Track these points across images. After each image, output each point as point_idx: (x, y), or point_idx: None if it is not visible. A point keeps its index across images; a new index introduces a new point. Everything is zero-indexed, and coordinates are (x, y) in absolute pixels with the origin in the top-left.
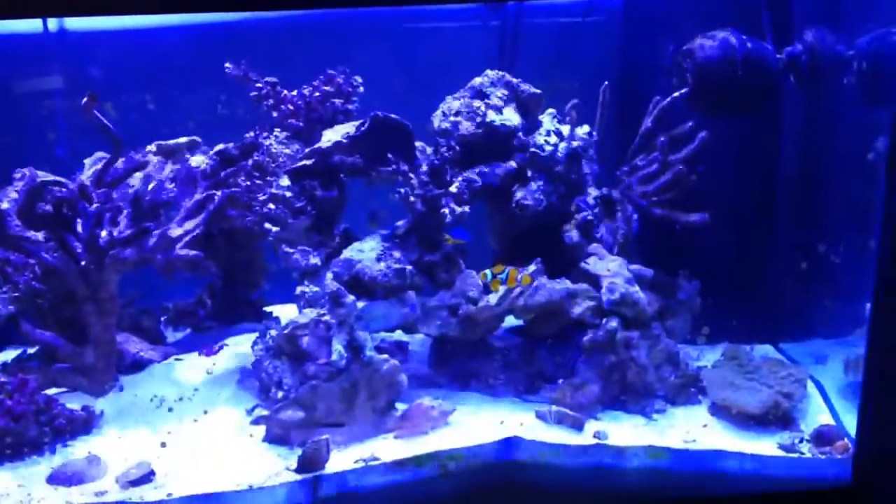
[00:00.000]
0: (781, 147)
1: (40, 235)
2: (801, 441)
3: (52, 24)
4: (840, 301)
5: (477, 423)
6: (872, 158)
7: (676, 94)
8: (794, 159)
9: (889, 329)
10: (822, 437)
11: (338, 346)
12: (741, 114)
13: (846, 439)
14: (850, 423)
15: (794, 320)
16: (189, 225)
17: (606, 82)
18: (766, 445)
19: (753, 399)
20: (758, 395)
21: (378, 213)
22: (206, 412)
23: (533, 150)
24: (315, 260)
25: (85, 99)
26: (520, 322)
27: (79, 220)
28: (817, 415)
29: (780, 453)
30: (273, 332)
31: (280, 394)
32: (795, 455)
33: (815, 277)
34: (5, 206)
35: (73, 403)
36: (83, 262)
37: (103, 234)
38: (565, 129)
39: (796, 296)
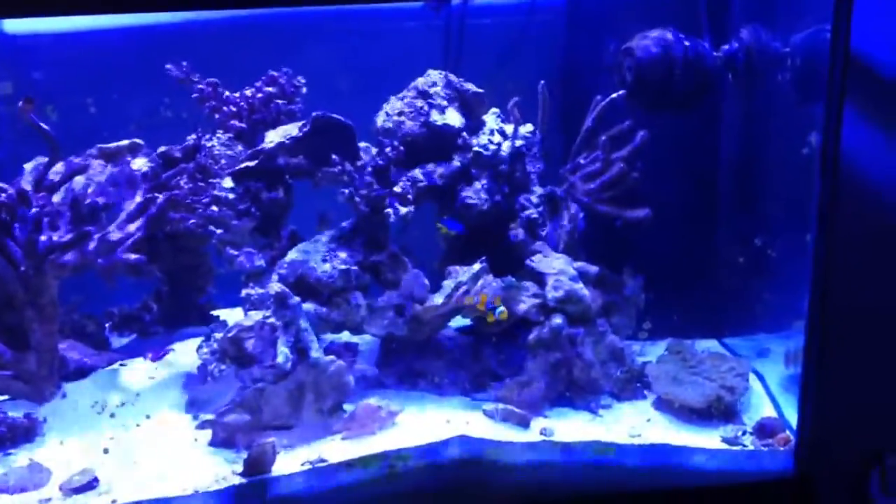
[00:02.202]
0: (720, 143)
1: None
2: (743, 434)
3: None
4: (780, 295)
5: (424, 423)
6: (807, 153)
7: (615, 94)
8: (733, 155)
9: (825, 321)
10: (764, 430)
11: (283, 349)
12: (680, 111)
13: (788, 431)
14: (792, 415)
15: (736, 314)
16: (130, 228)
17: (543, 81)
18: (709, 439)
19: (696, 393)
20: (701, 389)
21: (327, 216)
22: (148, 417)
23: (477, 149)
24: (260, 262)
25: (21, 103)
26: (466, 321)
27: (17, 225)
28: (760, 407)
29: (724, 446)
30: (218, 336)
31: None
32: (738, 448)
33: (755, 272)
34: None
35: (15, 411)
36: (22, 268)
37: (42, 238)
38: (509, 129)
39: (738, 290)
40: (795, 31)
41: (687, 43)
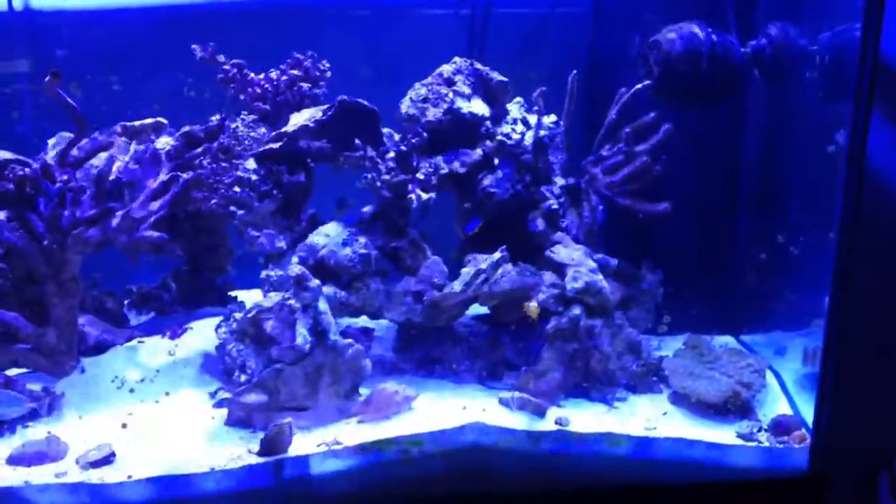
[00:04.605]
0: (744, 139)
1: (2, 214)
2: (759, 430)
3: (17, 1)
4: (800, 293)
5: (440, 409)
6: (832, 151)
7: (639, 85)
8: (757, 151)
9: (846, 321)
10: (779, 427)
11: (302, 330)
12: (705, 106)
13: (803, 429)
14: (808, 413)
15: (755, 311)
16: (153, 206)
17: (574, 72)
18: (724, 434)
19: (713, 388)
20: (717, 385)
21: (346, 201)
22: (167, 394)
23: (500, 138)
24: (281, 244)
25: (48, 77)
26: (484, 309)
27: (41, 200)
28: (776, 405)
29: (739, 442)
30: (238, 316)
31: (243, 377)
32: (753, 444)
33: (776, 269)
34: None
35: (34, 384)
36: (45, 242)
37: (66, 213)
38: (532, 118)
39: (757, 287)
40: (823, 29)
41: (715, 38)
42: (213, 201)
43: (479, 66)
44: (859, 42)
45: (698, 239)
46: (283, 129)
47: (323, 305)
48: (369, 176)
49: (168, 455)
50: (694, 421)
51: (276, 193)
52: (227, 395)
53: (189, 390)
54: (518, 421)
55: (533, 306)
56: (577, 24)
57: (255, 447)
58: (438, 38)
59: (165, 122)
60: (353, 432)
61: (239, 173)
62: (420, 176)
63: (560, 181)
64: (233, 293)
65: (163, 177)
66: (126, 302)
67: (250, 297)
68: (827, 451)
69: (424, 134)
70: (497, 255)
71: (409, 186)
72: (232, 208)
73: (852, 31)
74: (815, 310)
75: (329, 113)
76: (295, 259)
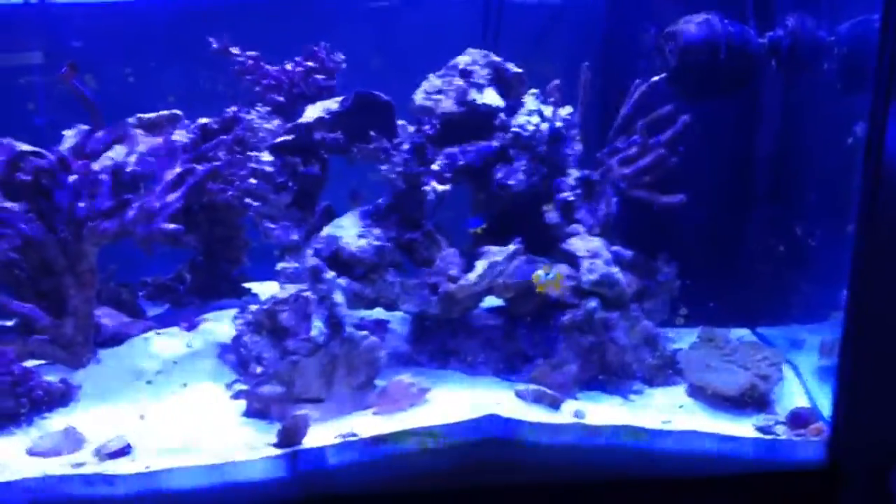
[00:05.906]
0: (761, 131)
1: (18, 206)
2: (776, 423)
3: None
4: (817, 285)
5: (455, 401)
6: (851, 143)
7: (656, 77)
8: (774, 143)
9: (864, 313)
10: (797, 420)
11: (317, 322)
12: (722, 97)
13: (821, 422)
14: (826, 405)
15: (771, 304)
16: (169, 198)
17: (586, 62)
18: (741, 427)
19: (730, 381)
20: (734, 378)
21: (360, 193)
22: (185, 386)
23: (515, 129)
24: (296, 236)
25: (65, 69)
26: (500, 301)
27: (58, 192)
28: (793, 397)
29: (756, 435)
30: (253, 308)
31: (259, 369)
32: (771, 437)
33: (793, 262)
34: None
35: (51, 376)
36: (62, 234)
37: (82, 205)
38: (548, 110)
39: (774, 280)
40: (842, 20)
41: (731, 28)
42: (229, 193)
43: (494, 57)
44: (878, 33)
45: (714, 231)
46: (298, 121)
47: (338, 297)
48: (384, 167)
49: (185, 447)
50: (710, 414)
51: (291, 185)
52: (244, 386)
53: (206, 382)
54: (534, 413)
55: (536, 275)
56: (593, 15)
57: (272, 439)
58: (454, 29)
59: (181, 114)
60: (368, 424)
61: (254, 165)
62: (435, 168)
63: (575, 173)
64: (248, 285)
65: (178, 169)
66: (141, 293)
67: (265, 288)
68: (845, 444)
69: (439, 126)
70: (512, 247)
71: (425, 178)
72: (247, 200)
73: (871, 22)
74: (832, 302)
75: (345, 104)
76: (310, 251)
